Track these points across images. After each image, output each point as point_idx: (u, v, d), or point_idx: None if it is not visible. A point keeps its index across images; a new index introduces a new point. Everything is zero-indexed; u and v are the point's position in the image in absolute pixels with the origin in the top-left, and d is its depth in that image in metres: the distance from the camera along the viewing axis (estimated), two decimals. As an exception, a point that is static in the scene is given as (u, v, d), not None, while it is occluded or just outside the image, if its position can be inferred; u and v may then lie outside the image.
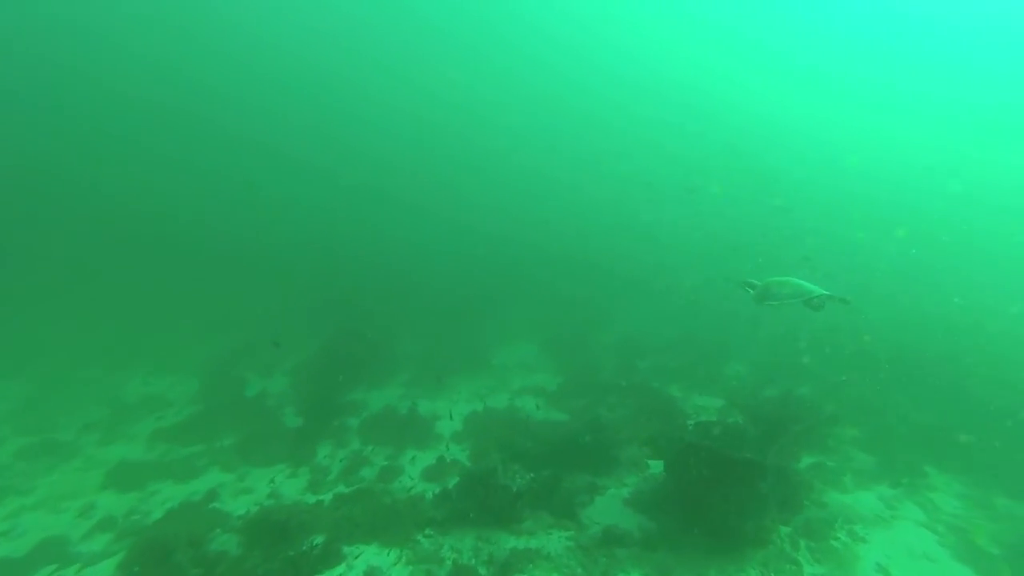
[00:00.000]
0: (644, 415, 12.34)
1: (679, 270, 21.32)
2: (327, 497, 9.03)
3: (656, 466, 9.99)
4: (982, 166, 44.40)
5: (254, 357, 16.78)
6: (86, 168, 36.26)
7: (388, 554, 7.45)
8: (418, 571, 7.07)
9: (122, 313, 18.41)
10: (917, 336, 14.81)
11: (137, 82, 38.97)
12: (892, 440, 10.62)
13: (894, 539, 7.93)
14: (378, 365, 16.47)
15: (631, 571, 7.07)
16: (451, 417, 12.73)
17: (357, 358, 15.89)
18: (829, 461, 10.23)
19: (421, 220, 35.10)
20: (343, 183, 43.13)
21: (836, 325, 15.29)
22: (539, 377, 16.04)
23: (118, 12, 36.00)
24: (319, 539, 7.75)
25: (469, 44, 48.04)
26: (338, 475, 10.09)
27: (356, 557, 7.38)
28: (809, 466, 9.97)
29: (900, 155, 44.97)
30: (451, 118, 50.50)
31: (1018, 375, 11.84)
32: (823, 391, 13.18)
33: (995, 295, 18.37)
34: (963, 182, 36.76)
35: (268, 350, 17.23)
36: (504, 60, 50.72)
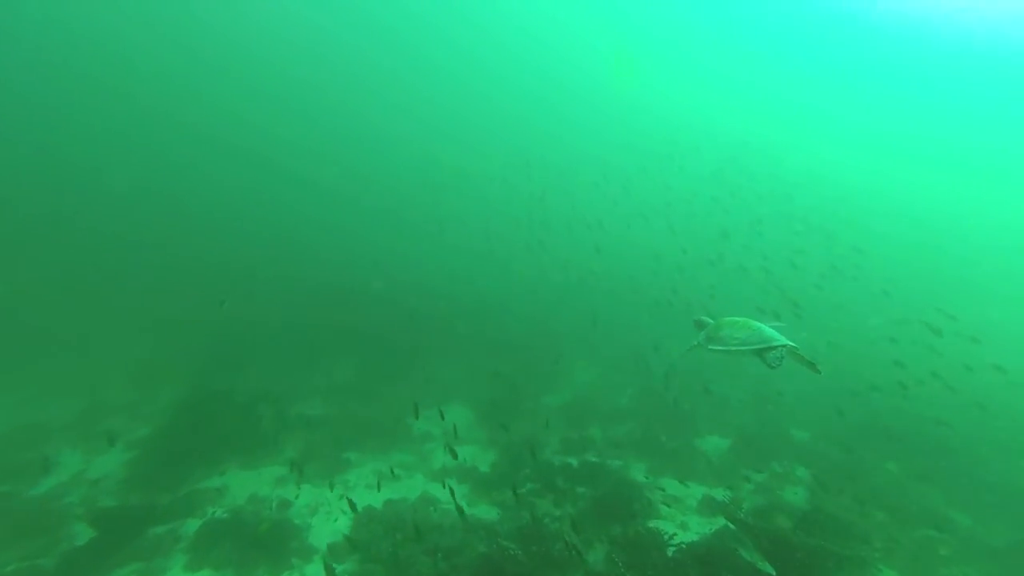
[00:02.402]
0: (600, 515, 9.11)
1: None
2: None
3: (617, 612, 6.73)
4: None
5: (94, 422, 12.74)
6: None
7: None
8: None
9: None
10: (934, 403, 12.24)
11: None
12: (935, 560, 7.76)
13: None
14: (259, 434, 12.72)
15: None
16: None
17: (230, 424, 12.15)
18: (860, 598, 7.21)
19: (344, 256, 31.24)
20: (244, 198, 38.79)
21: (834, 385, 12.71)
22: (469, 452, 12.61)
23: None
24: None
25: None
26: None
27: None
28: (833, 605, 6.92)
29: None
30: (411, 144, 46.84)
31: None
32: (829, 478, 10.32)
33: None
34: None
35: (114, 416, 13.33)
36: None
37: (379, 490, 10.18)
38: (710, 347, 5.45)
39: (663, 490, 10.38)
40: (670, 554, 6.75)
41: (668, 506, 9.89)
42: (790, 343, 4.95)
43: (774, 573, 6.54)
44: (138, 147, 39.86)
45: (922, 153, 52.63)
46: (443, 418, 10.54)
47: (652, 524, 9.00)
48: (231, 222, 36.65)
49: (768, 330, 5.15)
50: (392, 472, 11.03)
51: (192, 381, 13.27)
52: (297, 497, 9.98)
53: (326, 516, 9.48)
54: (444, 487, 9.50)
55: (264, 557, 8.07)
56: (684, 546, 7.16)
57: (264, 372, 16.68)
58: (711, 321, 5.78)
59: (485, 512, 9.64)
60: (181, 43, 37.36)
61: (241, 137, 42.38)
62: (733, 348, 5.18)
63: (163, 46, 36.94)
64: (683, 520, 9.38)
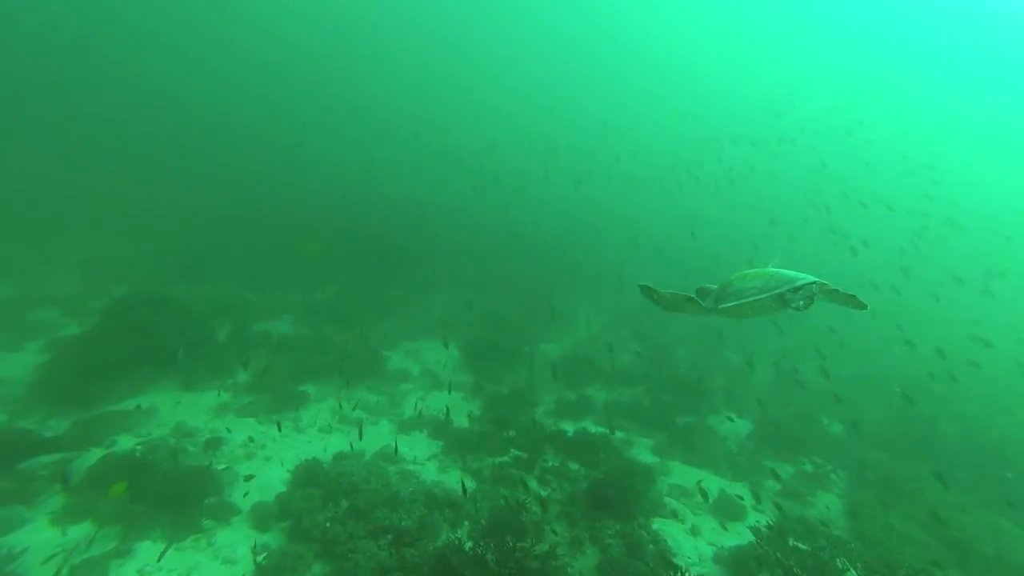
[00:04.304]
0: (595, 504, 7.36)
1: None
2: None
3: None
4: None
5: (20, 312, 10.96)
6: None
7: None
8: None
9: None
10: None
11: None
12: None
13: None
14: (210, 350, 10.93)
15: None
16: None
17: (175, 335, 10.28)
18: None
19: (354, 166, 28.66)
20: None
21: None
22: (448, 401, 10.85)
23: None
24: None
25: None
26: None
27: None
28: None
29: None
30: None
31: None
32: (868, 486, 8.52)
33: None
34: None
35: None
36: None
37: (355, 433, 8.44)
38: (722, 306, 4.29)
39: (670, 480, 8.66)
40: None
41: (677, 501, 8.18)
42: (818, 279, 3.89)
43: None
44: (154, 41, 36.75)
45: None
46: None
47: (656, 526, 7.31)
48: (236, 120, 33.92)
49: (788, 271, 4.10)
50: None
51: (147, 281, 11.38)
52: (231, 433, 8.25)
53: (261, 464, 7.76)
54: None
55: (168, 515, 6.38)
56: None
57: (236, 280, 14.79)
58: (714, 286, 4.59)
59: (457, 482, 7.90)
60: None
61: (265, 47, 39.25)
62: (751, 298, 4.09)
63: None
64: (694, 523, 7.65)
